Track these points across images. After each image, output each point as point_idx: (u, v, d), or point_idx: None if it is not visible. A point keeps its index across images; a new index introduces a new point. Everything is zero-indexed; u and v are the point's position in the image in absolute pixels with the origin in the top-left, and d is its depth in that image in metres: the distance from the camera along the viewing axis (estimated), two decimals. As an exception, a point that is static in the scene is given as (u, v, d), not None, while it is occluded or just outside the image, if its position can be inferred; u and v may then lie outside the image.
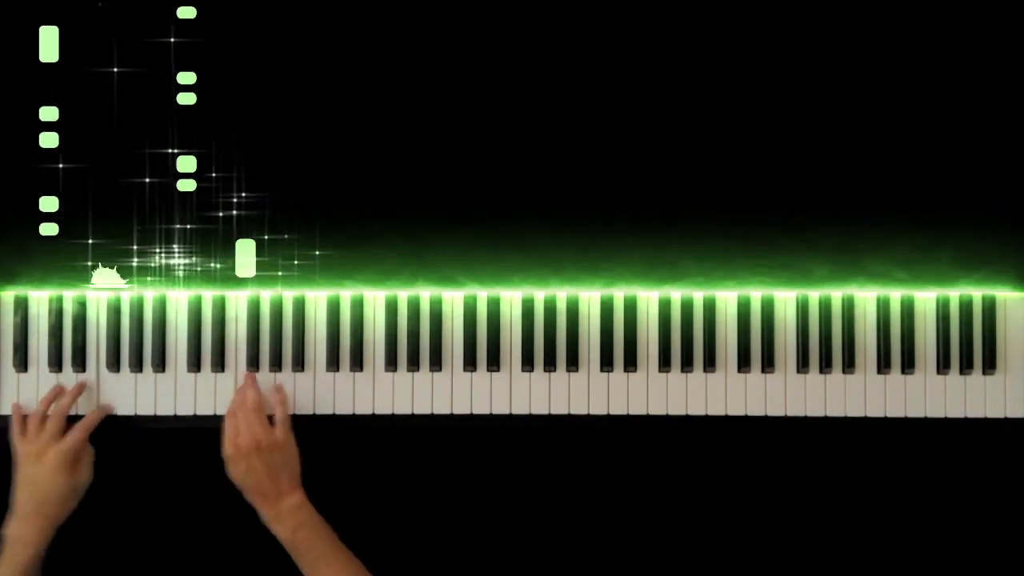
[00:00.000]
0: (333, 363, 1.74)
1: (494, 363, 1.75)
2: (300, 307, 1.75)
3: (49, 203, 1.72)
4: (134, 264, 1.72)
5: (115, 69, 1.71)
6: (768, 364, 1.75)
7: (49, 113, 1.72)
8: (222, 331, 1.74)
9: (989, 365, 1.75)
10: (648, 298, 1.76)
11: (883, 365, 1.75)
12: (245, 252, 1.73)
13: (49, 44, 1.72)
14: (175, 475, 1.70)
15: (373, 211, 1.74)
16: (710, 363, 1.75)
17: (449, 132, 1.74)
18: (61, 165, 1.72)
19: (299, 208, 1.73)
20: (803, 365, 1.75)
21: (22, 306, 1.73)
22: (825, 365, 1.76)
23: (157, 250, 1.72)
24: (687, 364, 1.75)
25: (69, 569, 1.82)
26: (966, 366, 1.75)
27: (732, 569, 1.86)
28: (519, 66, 1.74)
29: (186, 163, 1.72)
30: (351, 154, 1.74)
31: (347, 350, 1.75)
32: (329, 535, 1.65)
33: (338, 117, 1.74)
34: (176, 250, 1.73)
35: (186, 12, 1.72)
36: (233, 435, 1.66)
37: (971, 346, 1.75)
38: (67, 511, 1.67)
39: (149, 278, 1.72)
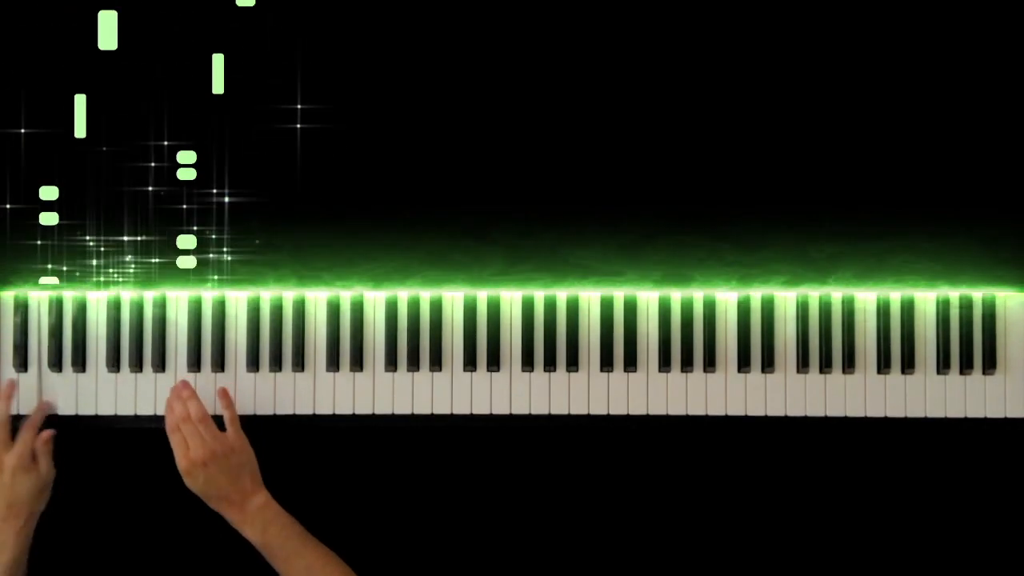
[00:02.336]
0: (333, 363, 1.74)
1: (494, 363, 1.75)
2: (300, 307, 1.75)
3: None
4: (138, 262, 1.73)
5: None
6: (768, 364, 1.75)
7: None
8: (222, 331, 1.74)
9: (989, 365, 1.75)
10: (648, 298, 1.76)
11: (883, 365, 1.75)
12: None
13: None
14: (175, 475, 1.69)
15: (379, 212, 1.74)
16: (710, 363, 1.75)
17: (448, 132, 1.74)
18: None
19: (297, 215, 1.73)
20: (803, 365, 1.75)
21: (22, 306, 1.73)
22: (825, 365, 1.76)
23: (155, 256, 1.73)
24: (687, 364, 1.75)
25: (66, 570, 1.82)
26: (966, 366, 1.75)
27: (732, 569, 1.87)
28: (517, 63, 1.74)
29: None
30: (351, 155, 1.74)
31: (347, 350, 1.75)
32: (299, 530, 1.65)
33: (335, 117, 1.73)
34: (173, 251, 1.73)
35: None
36: (184, 449, 1.65)
37: (971, 346, 1.75)
38: (38, 508, 1.65)
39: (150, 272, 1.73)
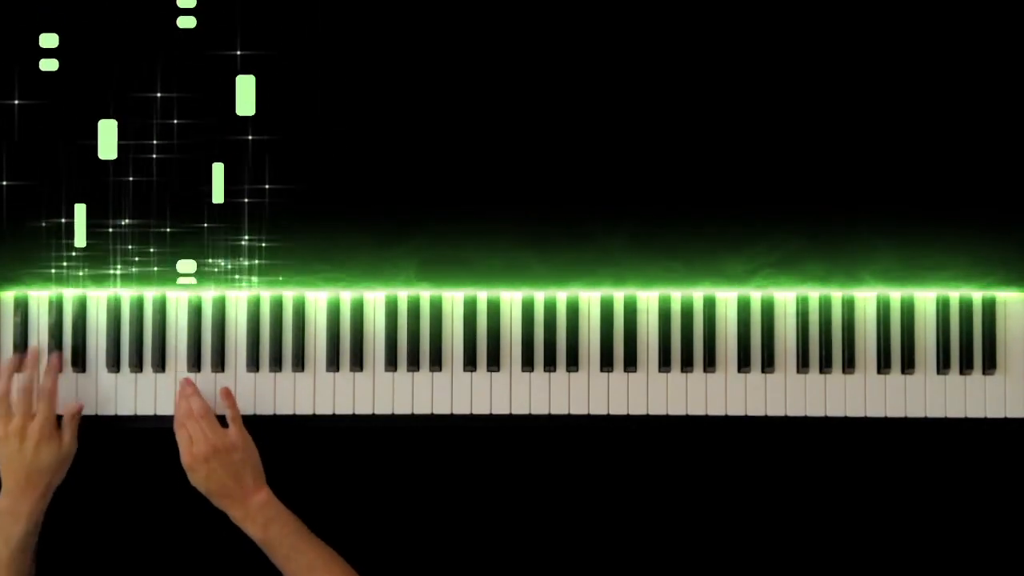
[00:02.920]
0: (333, 363, 1.74)
1: (494, 363, 1.75)
2: (300, 307, 1.75)
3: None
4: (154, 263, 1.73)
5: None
6: (768, 364, 1.75)
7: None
8: (222, 331, 1.74)
9: (989, 365, 1.75)
10: (648, 298, 1.76)
11: (883, 365, 1.75)
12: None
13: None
14: (175, 475, 1.69)
15: (377, 212, 1.74)
16: (710, 363, 1.75)
17: (447, 132, 1.74)
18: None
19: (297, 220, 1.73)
20: (803, 365, 1.75)
21: (22, 306, 1.73)
22: (825, 365, 1.76)
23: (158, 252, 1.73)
24: (687, 364, 1.75)
25: (68, 569, 1.82)
26: (966, 366, 1.75)
27: (732, 569, 1.87)
28: (517, 65, 1.74)
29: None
30: (351, 155, 1.74)
31: (347, 350, 1.75)
32: (300, 528, 1.65)
33: (333, 118, 1.74)
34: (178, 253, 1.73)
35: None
36: (187, 444, 1.66)
37: (971, 346, 1.75)
38: (56, 480, 1.66)
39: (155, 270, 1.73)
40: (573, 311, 1.75)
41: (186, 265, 1.72)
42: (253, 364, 1.74)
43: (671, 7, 1.74)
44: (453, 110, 1.74)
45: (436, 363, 1.75)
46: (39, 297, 1.74)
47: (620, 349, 1.75)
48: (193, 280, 1.72)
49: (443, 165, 1.74)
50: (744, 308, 1.75)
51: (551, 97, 1.74)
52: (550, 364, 1.75)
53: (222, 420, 1.70)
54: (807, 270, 1.74)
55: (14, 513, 1.62)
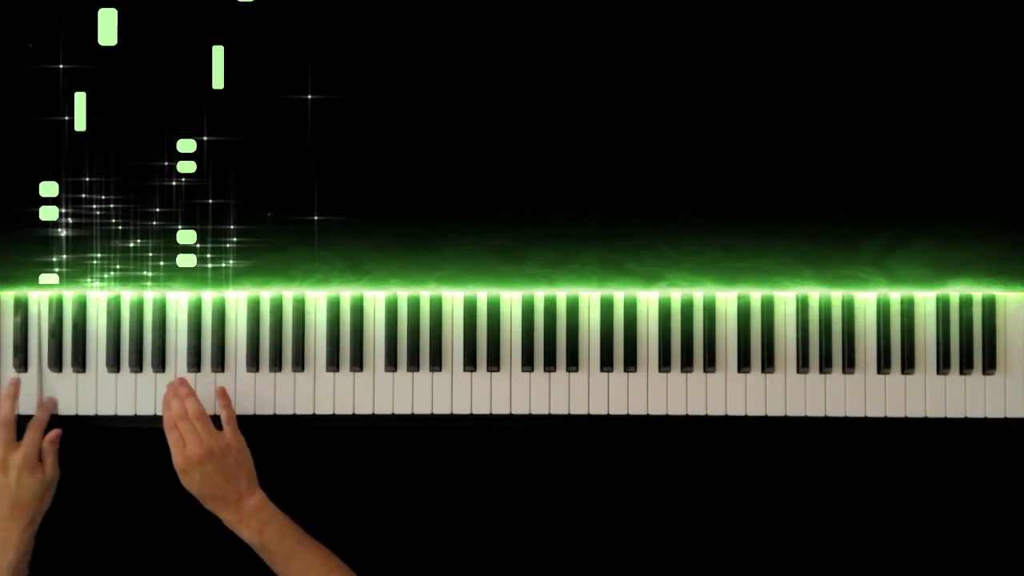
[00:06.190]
0: (333, 363, 1.74)
1: (494, 363, 1.75)
2: (300, 307, 1.75)
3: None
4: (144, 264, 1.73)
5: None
6: (768, 364, 1.75)
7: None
8: (222, 331, 1.74)
9: (989, 365, 1.75)
10: (648, 298, 1.76)
11: (883, 365, 1.75)
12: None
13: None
14: (175, 475, 1.69)
15: (375, 213, 1.74)
16: (710, 363, 1.75)
17: (449, 132, 1.74)
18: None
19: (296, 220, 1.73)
20: (803, 365, 1.75)
21: (22, 306, 1.73)
22: (825, 365, 1.76)
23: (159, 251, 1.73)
24: (687, 364, 1.75)
25: (66, 570, 1.82)
26: (966, 366, 1.75)
27: (732, 569, 1.87)
28: (518, 65, 1.74)
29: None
30: (350, 155, 1.74)
31: (347, 350, 1.75)
32: (295, 530, 1.65)
33: (334, 117, 1.74)
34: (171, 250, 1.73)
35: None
36: (180, 447, 1.64)
37: (971, 346, 1.75)
38: (43, 508, 1.66)
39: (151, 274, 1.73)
40: (573, 311, 1.75)
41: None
42: (253, 364, 1.74)
43: (672, 10, 1.74)
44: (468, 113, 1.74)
45: (436, 363, 1.75)
46: (39, 297, 1.74)
47: (620, 349, 1.75)
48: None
49: (458, 165, 1.74)
50: (744, 308, 1.75)
51: (542, 100, 1.74)
52: (550, 364, 1.75)
53: (215, 421, 1.69)
54: (806, 270, 1.74)
55: (2, 542, 1.62)
